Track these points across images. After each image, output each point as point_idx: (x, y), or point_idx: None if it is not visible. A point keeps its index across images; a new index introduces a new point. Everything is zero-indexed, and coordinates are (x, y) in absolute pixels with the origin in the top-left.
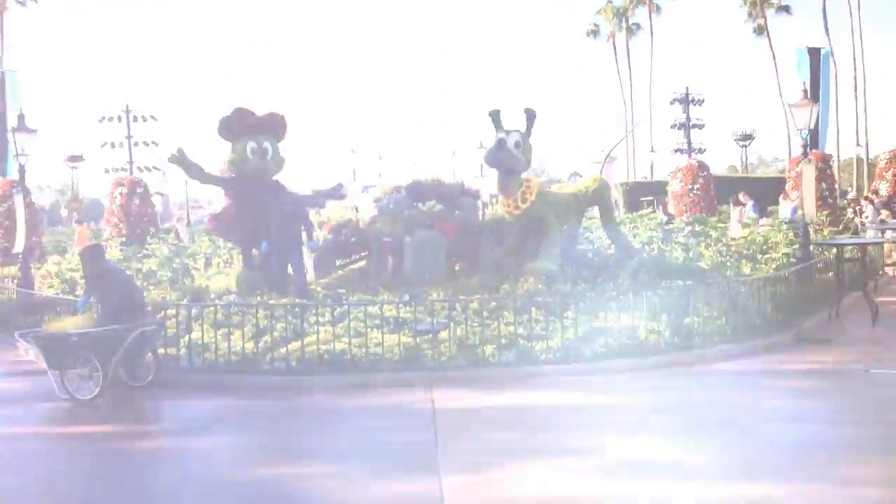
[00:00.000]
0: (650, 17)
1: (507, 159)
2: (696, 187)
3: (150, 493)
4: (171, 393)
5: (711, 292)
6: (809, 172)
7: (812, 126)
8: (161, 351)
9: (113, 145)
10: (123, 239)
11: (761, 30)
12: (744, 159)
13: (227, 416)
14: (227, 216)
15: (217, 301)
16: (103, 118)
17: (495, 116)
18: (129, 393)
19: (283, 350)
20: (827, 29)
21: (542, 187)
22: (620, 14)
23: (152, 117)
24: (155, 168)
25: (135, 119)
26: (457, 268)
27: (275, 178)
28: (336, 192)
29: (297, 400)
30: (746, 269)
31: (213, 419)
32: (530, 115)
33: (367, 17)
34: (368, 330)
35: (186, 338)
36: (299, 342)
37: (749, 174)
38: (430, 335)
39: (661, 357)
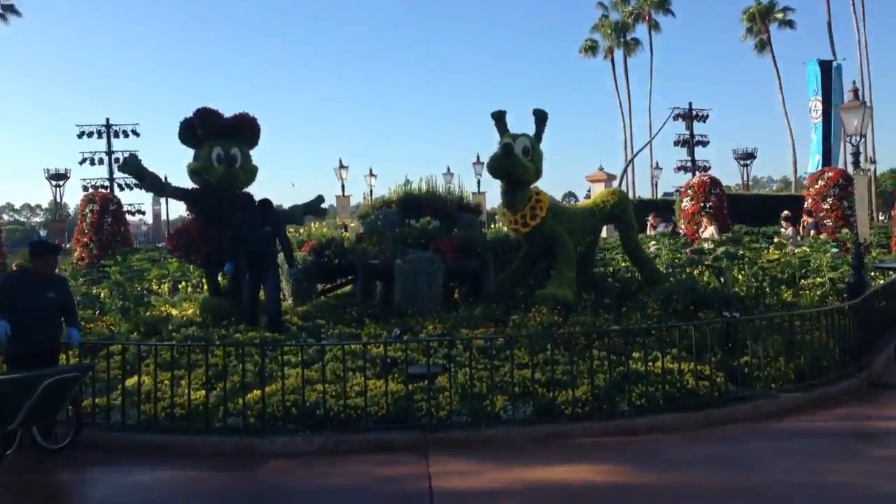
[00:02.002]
0: (649, 33)
1: (515, 168)
2: (708, 205)
3: None
4: (92, 459)
5: (763, 326)
6: (862, 186)
7: (863, 132)
8: (87, 402)
9: (93, 161)
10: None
11: (763, 45)
12: (745, 178)
13: (154, 497)
14: (188, 234)
15: (156, 339)
16: (83, 133)
17: (500, 118)
18: (39, 460)
19: (239, 401)
20: (832, 43)
21: (553, 201)
22: (619, 29)
23: (134, 132)
24: (136, 185)
25: (116, 134)
26: (456, 295)
27: (245, 190)
28: (315, 206)
29: (249, 472)
30: (787, 296)
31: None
32: (540, 117)
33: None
34: (348, 373)
35: (130, 382)
36: (260, 390)
37: (747, 192)
38: (425, 381)
39: (715, 410)
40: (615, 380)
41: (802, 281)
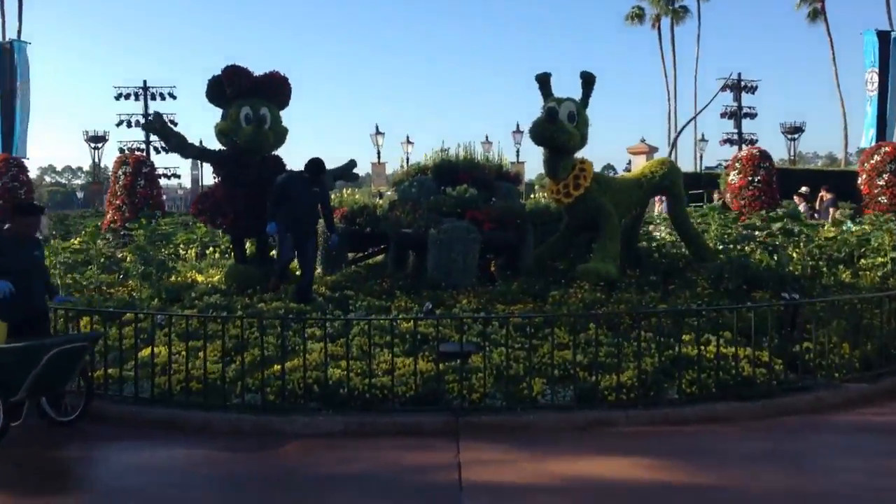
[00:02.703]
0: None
1: (559, 134)
2: (756, 179)
3: None
4: (103, 434)
5: (824, 309)
6: None
7: None
8: (99, 373)
9: (129, 123)
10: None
11: (816, 14)
12: (792, 153)
13: (161, 480)
14: (213, 198)
15: (178, 306)
16: (120, 95)
17: (544, 81)
18: (47, 432)
19: (258, 376)
20: (889, 13)
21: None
22: None
23: (171, 95)
24: (164, 148)
25: (153, 97)
26: (492, 268)
27: (275, 152)
28: (347, 171)
29: (266, 454)
30: (846, 277)
31: (140, 486)
32: (587, 81)
33: None
34: (375, 350)
35: (144, 353)
36: (280, 366)
37: (797, 167)
38: (458, 360)
39: (773, 401)
40: (663, 364)
41: (862, 261)
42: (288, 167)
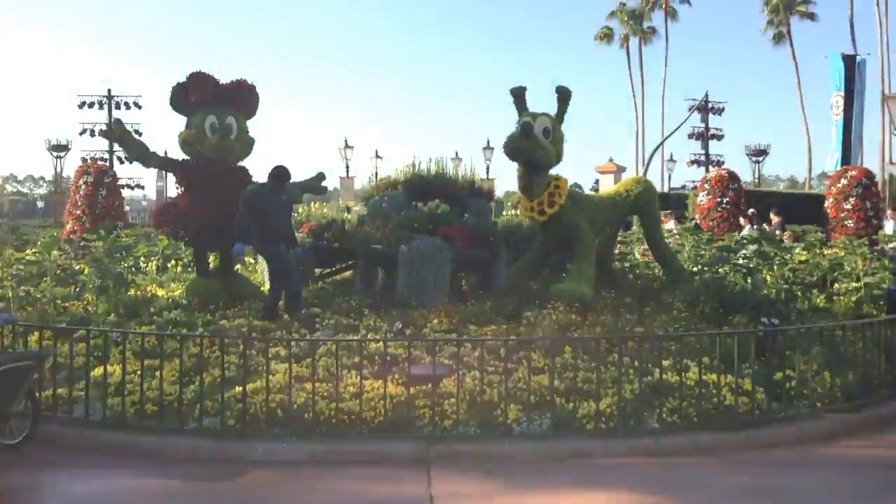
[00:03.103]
0: (666, 20)
1: (534, 150)
2: (725, 200)
3: None
4: (49, 460)
5: (801, 335)
6: None
7: None
8: (48, 393)
9: (93, 133)
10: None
11: (780, 37)
12: (756, 175)
13: None
14: (176, 209)
15: (135, 321)
16: (83, 103)
17: (519, 95)
18: None
19: (217, 399)
20: (854, 39)
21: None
22: (635, 17)
23: (136, 104)
24: (128, 158)
25: (117, 106)
26: (464, 286)
27: (241, 163)
28: (315, 185)
29: (224, 484)
30: (820, 301)
31: None
32: (563, 96)
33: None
34: (342, 371)
35: (97, 372)
36: (242, 387)
37: (765, 189)
38: (429, 384)
39: (756, 431)
40: (643, 391)
41: (835, 285)
42: (254, 179)
